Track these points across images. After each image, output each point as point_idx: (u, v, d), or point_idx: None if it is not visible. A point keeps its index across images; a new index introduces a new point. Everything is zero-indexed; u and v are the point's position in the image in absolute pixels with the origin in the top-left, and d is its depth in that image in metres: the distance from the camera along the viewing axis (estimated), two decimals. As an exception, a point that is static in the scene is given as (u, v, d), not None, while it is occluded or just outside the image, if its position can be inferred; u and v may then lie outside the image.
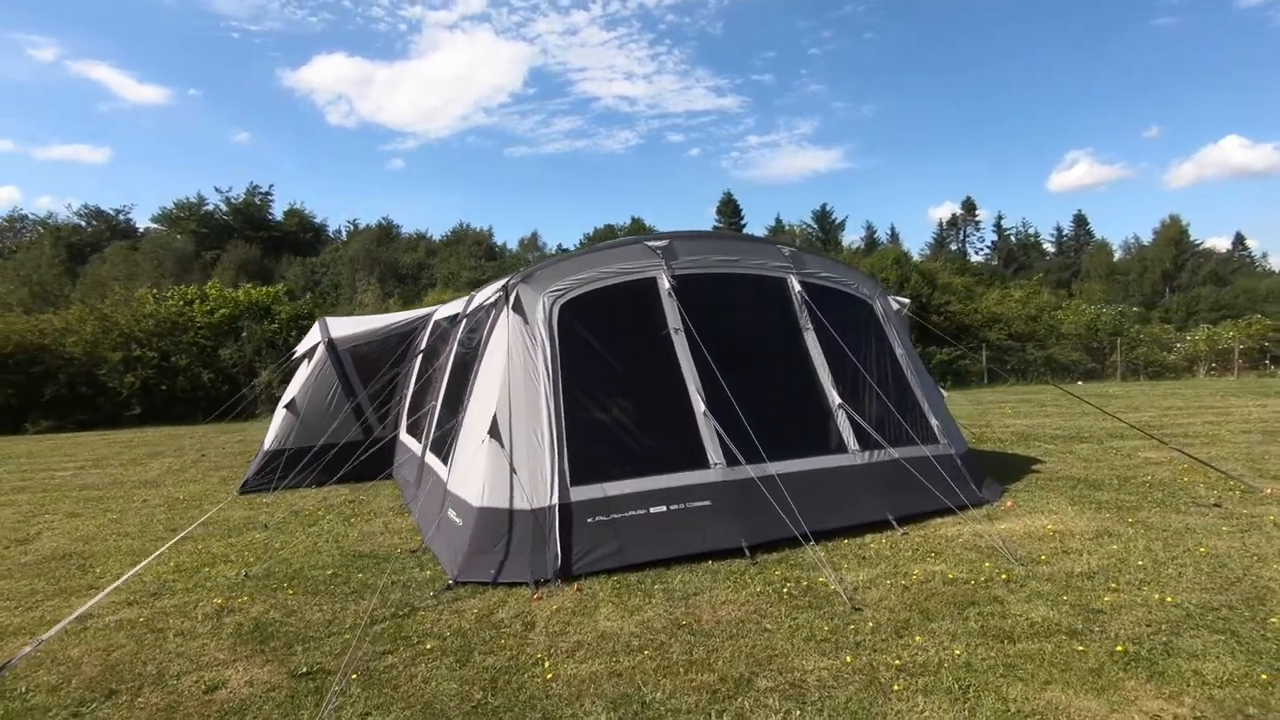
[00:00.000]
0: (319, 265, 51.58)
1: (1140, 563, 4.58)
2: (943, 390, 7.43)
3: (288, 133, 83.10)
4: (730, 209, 69.64)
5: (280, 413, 8.42)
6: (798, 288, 6.39)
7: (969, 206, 74.28)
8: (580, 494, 4.95)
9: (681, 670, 3.30)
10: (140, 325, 20.44)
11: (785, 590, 4.29)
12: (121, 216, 60.40)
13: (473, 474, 5.09)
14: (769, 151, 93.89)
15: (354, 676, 3.30)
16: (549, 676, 3.26)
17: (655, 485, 5.11)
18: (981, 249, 73.30)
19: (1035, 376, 21.53)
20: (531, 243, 67.84)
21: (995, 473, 7.47)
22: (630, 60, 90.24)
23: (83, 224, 59.47)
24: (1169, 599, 3.95)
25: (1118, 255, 69.12)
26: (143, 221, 58.13)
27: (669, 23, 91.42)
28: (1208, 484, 6.80)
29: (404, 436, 8.39)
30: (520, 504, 4.85)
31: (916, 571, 4.56)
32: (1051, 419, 12.32)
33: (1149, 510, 5.90)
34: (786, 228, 64.24)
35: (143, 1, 70.58)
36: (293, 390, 8.54)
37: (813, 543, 4.77)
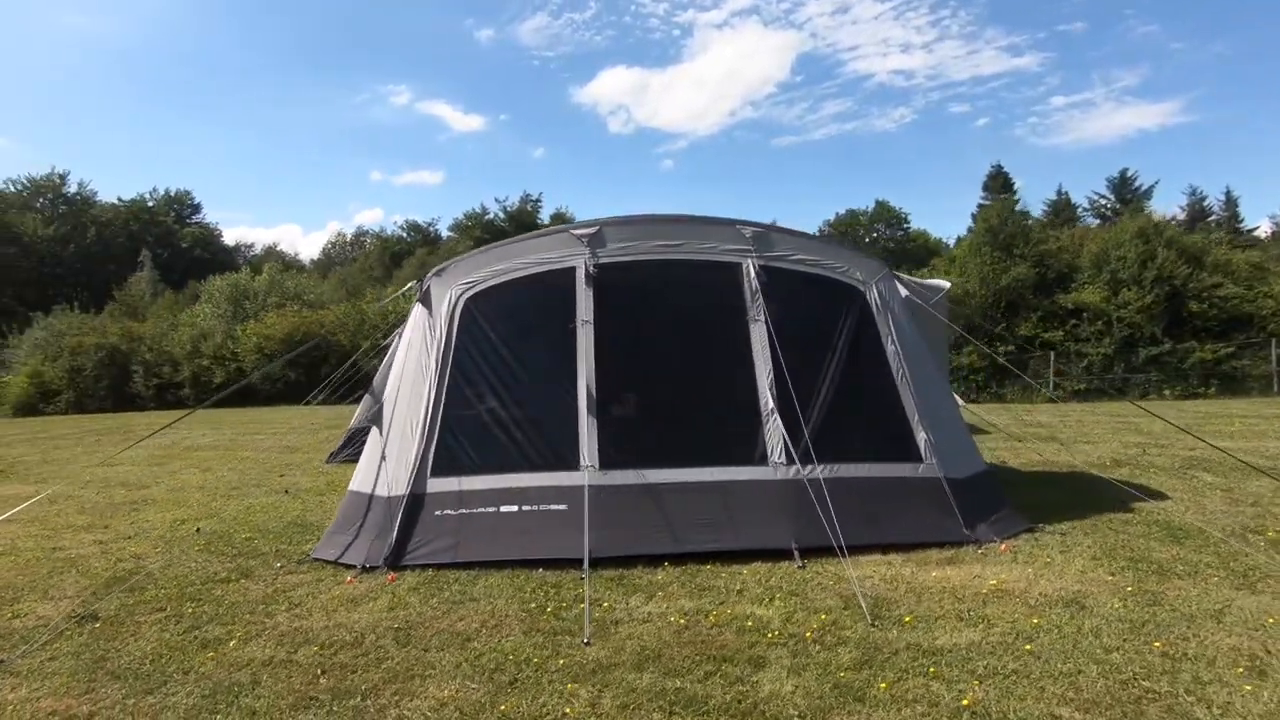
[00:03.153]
0: (572, 263, 56.74)
1: (1032, 647, 3.29)
2: (959, 399, 5.91)
3: (575, 144, 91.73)
4: (999, 184, 61.26)
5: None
6: (754, 273, 5.60)
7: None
8: (436, 486, 4.98)
9: (317, 674, 3.22)
10: (385, 319, 24.62)
11: (556, 611, 3.89)
12: (431, 228, 72.46)
13: (361, 459, 5.41)
14: (1079, 112, 79.74)
15: (96, 626, 3.81)
16: (211, 655, 3.42)
17: (511, 483, 4.94)
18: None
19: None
20: (769, 232, 66.85)
21: (1073, 506, 5.80)
22: (907, 31, 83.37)
23: (405, 235, 72.45)
24: (968, 701, 2.81)
25: None
26: (444, 231, 69.07)
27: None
28: (1379, 553, 4.53)
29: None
30: (381, 490, 5.05)
31: (728, 612, 3.82)
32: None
33: (1198, 580, 4.14)
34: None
35: (468, 45, 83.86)
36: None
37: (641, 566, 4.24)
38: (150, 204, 58.12)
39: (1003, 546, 4.86)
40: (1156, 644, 3.27)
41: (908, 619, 3.67)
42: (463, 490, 4.96)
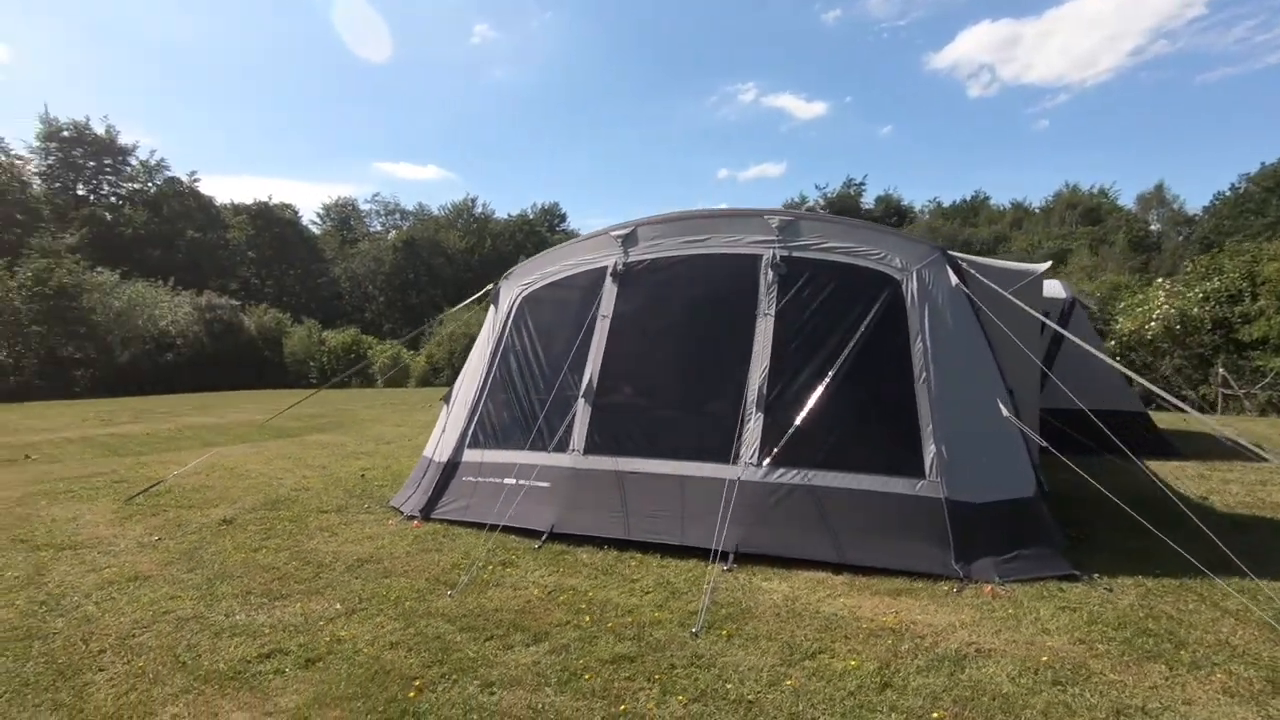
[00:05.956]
0: (895, 247, 53.47)
1: (797, 684, 2.94)
2: (1006, 410, 4.66)
3: (927, 116, 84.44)
4: None
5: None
6: (772, 264, 5.42)
7: None
8: (470, 456, 5.95)
9: (276, 579, 4.41)
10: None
11: (468, 569, 4.52)
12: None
13: (436, 430, 6.66)
14: None
15: (224, 526, 5.61)
16: (243, 556, 4.87)
17: (516, 459, 5.65)
18: None
19: None
20: (1155, 197, 53.86)
21: (1189, 561, 4.42)
22: None
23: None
24: (653, 708, 2.75)
25: None
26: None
27: None
28: None
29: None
30: (436, 456, 6.20)
31: (589, 595, 4.05)
32: None
33: (1193, 673, 3.04)
34: None
35: (815, 29, 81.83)
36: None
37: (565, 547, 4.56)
38: (530, 217, 70.82)
39: (988, 589, 4.02)
40: (934, 715, 2.67)
41: (729, 632, 3.49)
42: (483, 461, 5.85)
